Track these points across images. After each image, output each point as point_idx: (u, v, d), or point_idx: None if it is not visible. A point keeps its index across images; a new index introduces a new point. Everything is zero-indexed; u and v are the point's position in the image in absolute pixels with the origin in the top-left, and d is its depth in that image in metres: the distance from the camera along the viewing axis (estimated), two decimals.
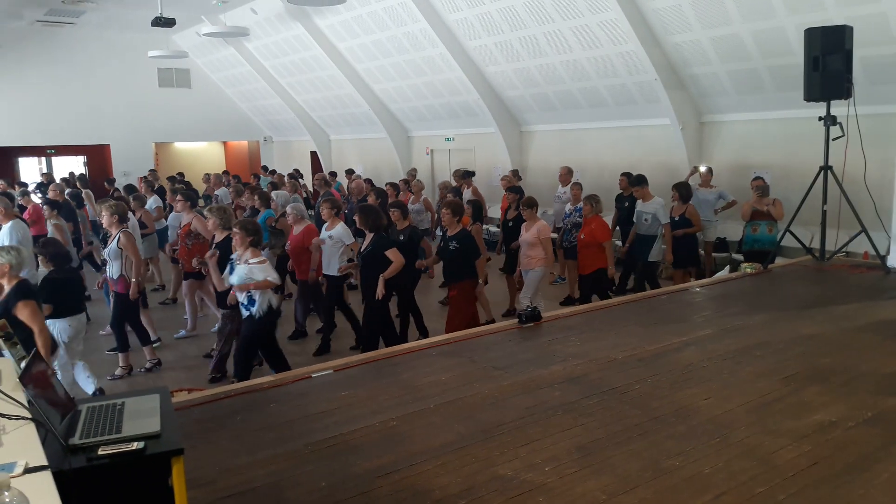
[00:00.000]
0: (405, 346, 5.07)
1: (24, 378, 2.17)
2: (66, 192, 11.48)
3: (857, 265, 7.50)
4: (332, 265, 7.21)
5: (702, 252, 10.18)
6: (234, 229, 5.87)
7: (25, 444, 1.78)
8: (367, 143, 19.11)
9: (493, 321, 8.10)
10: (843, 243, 7.52)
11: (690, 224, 8.27)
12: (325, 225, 7.39)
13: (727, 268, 8.00)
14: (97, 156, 22.06)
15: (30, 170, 22.66)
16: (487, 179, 14.51)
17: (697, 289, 6.81)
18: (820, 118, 7.35)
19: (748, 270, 7.36)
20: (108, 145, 21.27)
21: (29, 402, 2.09)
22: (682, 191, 8.41)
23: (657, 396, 3.98)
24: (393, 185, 10.73)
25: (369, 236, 6.50)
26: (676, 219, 8.33)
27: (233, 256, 5.93)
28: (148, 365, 6.94)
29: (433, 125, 16.64)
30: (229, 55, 19.61)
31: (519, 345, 5.08)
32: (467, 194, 11.48)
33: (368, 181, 13.55)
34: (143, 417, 2.25)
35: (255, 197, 9.31)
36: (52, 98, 19.56)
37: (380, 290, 6.20)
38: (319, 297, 7.75)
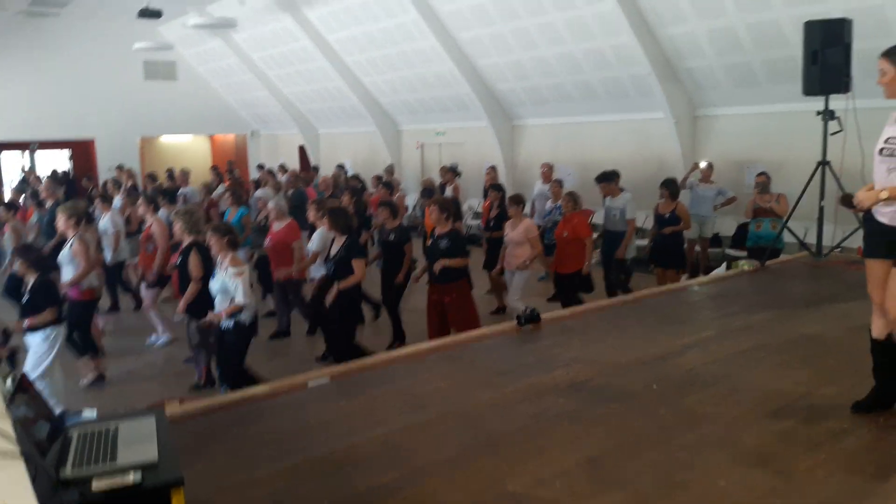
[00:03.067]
0: (403, 351, 4.96)
1: (12, 403, 2.05)
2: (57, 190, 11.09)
3: (853, 262, 7.43)
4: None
5: (697, 249, 10.16)
6: (208, 235, 5.59)
7: (13, 482, 1.65)
8: (356, 137, 18.92)
9: (504, 307, 8.09)
10: (840, 240, 7.46)
11: (679, 222, 8.18)
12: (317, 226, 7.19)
13: (724, 265, 7.92)
14: (82, 151, 21.73)
15: (12, 165, 22.29)
16: (479, 175, 14.37)
17: (696, 287, 6.74)
18: (818, 113, 7.27)
19: (746, 268, 7.29)
20: (93, 140, 20.96)
21: (17, 431, 1.96)
22: (671, 188, 8.31)
23: (664, 403, 3.89)
24: (385, 183, 10.50)
25: (340, 239, 6.13)
26: (666, 216, 8.24)
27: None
28: (87, 380, 6.61)
29: (423, 119, 16.48)
30: (216, 47, 19.34)
31: (519, 348, 4.98)
32: (449, 191, 11.30)
33: (355, 177, 13.33)
34: (138, 443, 2.12)
35: (227, 195, 9.09)
36: (36, 91, 19.23)
37: (329, 297, 5.96)
38: (299, 298, 7.64)
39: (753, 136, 10.46)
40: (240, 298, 5.32)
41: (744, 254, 8.96)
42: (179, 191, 12.45)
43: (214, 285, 5.51)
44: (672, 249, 8.28)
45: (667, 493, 2.94)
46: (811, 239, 8.01)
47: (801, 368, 4.32)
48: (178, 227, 6.31)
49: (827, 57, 6.94)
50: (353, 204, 8.52)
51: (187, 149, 24.48)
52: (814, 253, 7.66)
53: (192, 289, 6.09)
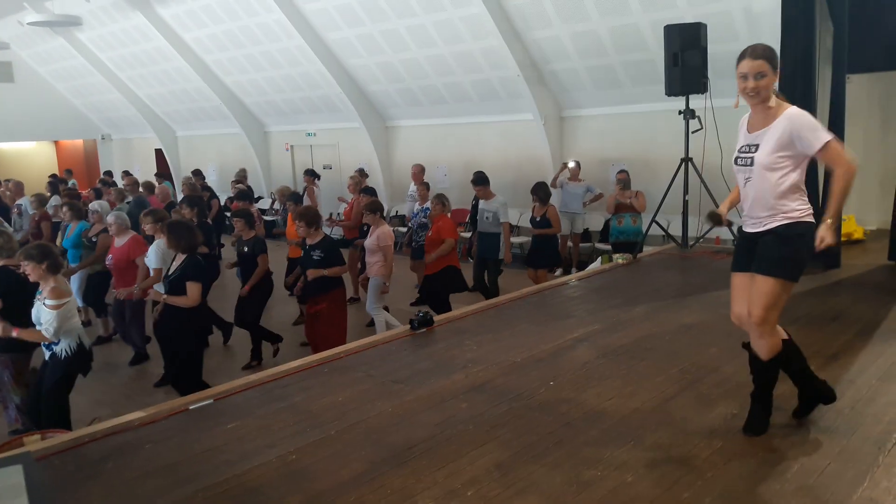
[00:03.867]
0: (293, 364, 4.68)
1: None
2: None
3: (718, 251, 7.93)
4: None
5: (570, 244, 10.49)
6: (22, 262, 4.84)
7: None
8: (220, 140, 18.10)
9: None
10: (705, 231, 7.92)
11: (550, 225, 8.37)
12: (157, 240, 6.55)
13: (599, 259, 8.21)
14: None
15: None
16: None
17: (576, 282, 6.90)
18: (680, 112, 7.68)
19: (620, 261, 7.58)
20: None
21: None
22: (541, 192, 8.45)
23: (563, 399, 3.91)
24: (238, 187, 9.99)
25: (179, 258, 5.52)
26: (538, 219, 8.42)
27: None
28: None
29: (293, 120, 16.00)
30: (59, 46, 17.84)
31: (415, 353, 4.86)
32: (306, 197, 10.79)
33: (206, 187, 12.70)
34: (5, 500, 1.80)
35: (65, 209, 8.31)
36: None
37: (156, 312, 5.47)
38: (137, 320, 7.13)
39: (617, 135, 10.93)
40: (48, 334, 4.74)
41: (610, 248, 9.36)
42: (16, 202, 11.43)
43: (33, 314, 4.89)
44: (546, 251, 8.48)
45: (578, 491, 2.93)
46: (674, 231, 8.47)
47: (686, 357, 4.50)
48: None
49: (686, 59, 7.35)
50: (197, 216, 7.78)
51: (29, 156, 22.45)
52: (680, 244, 8.10)
53: None
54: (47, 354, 4.92)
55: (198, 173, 14.42)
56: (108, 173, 18.05)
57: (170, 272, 5.60)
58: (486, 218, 8.23)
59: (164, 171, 19.69)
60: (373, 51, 12.42)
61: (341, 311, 6.42)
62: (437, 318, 5.44)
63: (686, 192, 7.85)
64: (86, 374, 5.13)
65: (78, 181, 18.37)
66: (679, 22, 7.91)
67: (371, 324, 7.61)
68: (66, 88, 20.40)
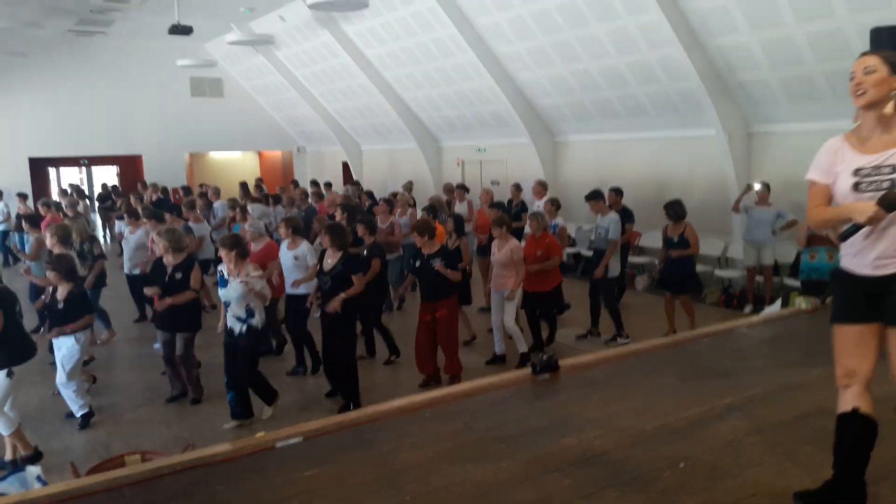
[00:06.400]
0: (395, 404, 4.32)
1: None
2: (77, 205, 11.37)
3: None
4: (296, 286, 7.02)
5: (759, 279, 9.38)
6: (220, 250, 5.85)
7: None
8: (398, 154, 18.52)
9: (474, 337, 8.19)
10: None
11: (688, 245, 7.57)
12: (287, 244, 7.08)
13: (779, 301, 7.06)
14: (130, 166, 21.95)
15: (70, 180, 22.85)
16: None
17: (745, 329, 5.92)
18: None
19: (803, 306, 6.42)
20: (141, 156, 21.13)
21: None
22: (673, 210, 7.77)
23: (692, 490, 3.16)
24: (386, 200, 10.28)
25: (337, 254, 6.13)
26: (675, 240, 7.69)
27: (220, 268, 5.86)
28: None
29: (464, 135, 15.94)
30: (260, 64, 19.27)
31: (530, 405, 4.30)
32: (461, 207, 11.12)
33: (369, 193, 13.47)
34: None
35: (237, 211, 9.51)
36: (86, 108, 19.50)
37: (333, 305, 5.91)
38: (272, 316, 7.57)
39: (814, 154, 9.50)
40: (266, 293, 5.84)
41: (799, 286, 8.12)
42: (213, 204, 13.03)
43: (230, 293, 5.66)
44: (681, 274, 7.75)
45: None
46: None
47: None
48: (161, 246, 6.36)
49: None
50: (346, 219, 8.22)
51: (237, 164, 24.54)
52: None
53: (185, 297, 6.26)
54: (241, 328, 5.71)
55: (356, 183, 15.26)
56: (295, 182, 19.16)
57: (329, 269, 6.15)
58: (600, 234, 7.95)
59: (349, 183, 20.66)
60: (543, 63, 11.93)
61: (455, 317, 6.69)
62: (564, 363, 4.82)
63: None
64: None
65: (271, 190, 19.74)
66: (893, 24, 6.60)
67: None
68: (267, 103, 22.03)
